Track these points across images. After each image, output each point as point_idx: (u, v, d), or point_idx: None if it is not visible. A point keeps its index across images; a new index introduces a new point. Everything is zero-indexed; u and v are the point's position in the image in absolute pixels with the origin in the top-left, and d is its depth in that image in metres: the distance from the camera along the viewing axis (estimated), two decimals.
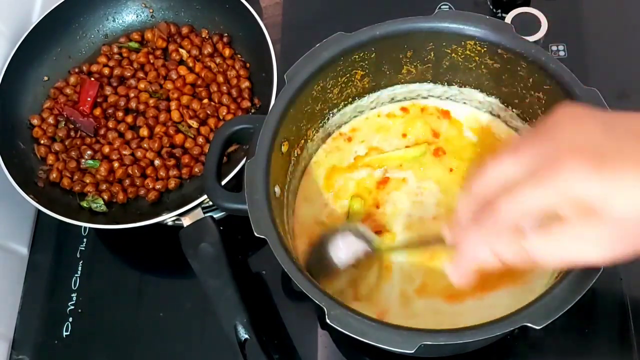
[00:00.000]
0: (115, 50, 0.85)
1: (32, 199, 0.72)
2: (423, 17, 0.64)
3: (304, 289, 0.54)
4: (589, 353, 0.69)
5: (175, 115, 0.79)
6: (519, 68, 0.64)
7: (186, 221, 0.71)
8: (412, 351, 0.50)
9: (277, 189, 0.62)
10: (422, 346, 0.50)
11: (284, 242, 0.56)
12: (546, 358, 0.69)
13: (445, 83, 0.71)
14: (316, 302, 0.53)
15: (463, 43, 0.65)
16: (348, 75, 0.67)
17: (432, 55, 0.67)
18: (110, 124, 0.80)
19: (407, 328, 0.52)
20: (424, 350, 0.51)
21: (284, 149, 0.64)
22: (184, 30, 0.85)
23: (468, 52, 0.66)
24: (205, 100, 0.80)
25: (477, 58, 0.66)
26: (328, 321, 0.51)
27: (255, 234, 0.56)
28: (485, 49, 0.64)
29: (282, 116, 0.62)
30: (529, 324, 0.50)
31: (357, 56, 0.65)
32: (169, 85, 0.81)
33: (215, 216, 0.72)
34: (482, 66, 0.67)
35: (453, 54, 0.67)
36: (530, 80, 0.63)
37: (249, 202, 0.57)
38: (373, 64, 0.67)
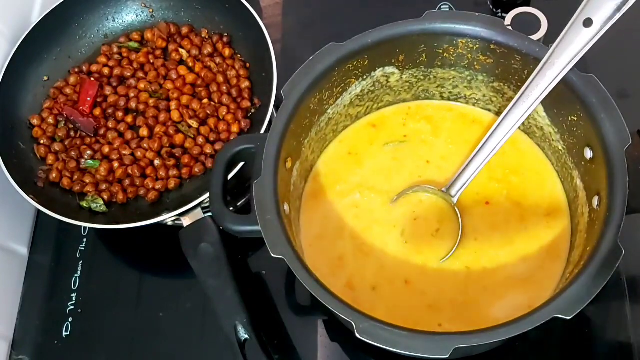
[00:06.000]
0: (115, 50, 0.85)
1: (32, 199, 0.72)
2: (413, 20, 0.64)
3: (331, 306, 0.53)
4: (589, 353, 0.69)
5: (175, 115, 0.79)
6: (513, 62, 0.64)
7: (186, 221, 0.71)
8: (447, 355, 0.49)
9: (286, 207, 0.62)
10: (455, 349, 0.50)
11: (302, 260, 0.56)
12: (547, 356, 0.69)
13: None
14: (344, 317, 0.52)
15: (455, 42, 0.65)
16: (343, 85, 0.67)
17: (424, 57, 0.68)
18: (110, 124, 0.80)
19: (437, 333, 0.52)
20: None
21: (288, 165, 0.64)
22: (184, 30, 0.85)
23: (460, 50, 0.66)
24: (205, 100, 0.80)
25: (469, 56, 0.66)
26: (357, 335, 0.51)
27: (272, 254, 0.55)
28: (477, 46, 0.65)
29: (283, 133, 0.61)
30: (560, 315, 0.50)
31: (350, 65, 0.65)
32: (168, 85, 0.81)
33: None
34: (475, 63, 0.67)
35: (445, 54, 0.67)
36: (525, 72, 0.63)
37: (261, 224, 0.57)
38: (366, 71, 0.67)
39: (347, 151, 0.72)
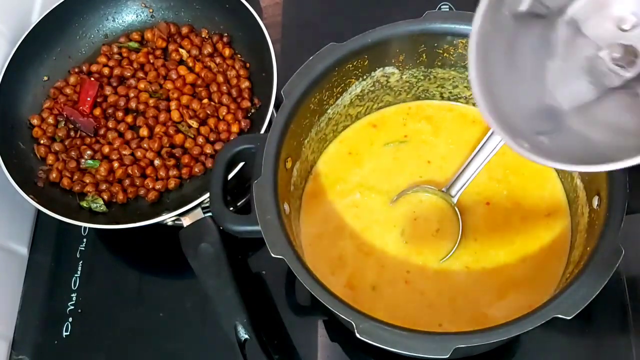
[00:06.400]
0: (115, 50, 0.85)
1: (32, 199, 0.72)
2: (413, 20, 0.64)
3: (331, 306, 0.53)
4: (589, 353, 0.69)
5: (175, 115, 0.79)
6: None
7: (186, 221, 0.71)
8: (447, 355, 0.49)
9: (286, 207, 0.62)
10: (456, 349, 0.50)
11: (302, 260, 0.56)
12: (547, 356, 0.69)
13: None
14: (344, 317, 0.52)
15: (455, 42, 0.65)
16: (343, 85, 0.67)
17: (424, 57, 0.68)
18: (110, 124, 0.80)
19: (437, 333, 0.52)
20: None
21: (288, 165, 0.64)
22: (184, 30, 0.85)
23: (460, 50, 0.66)
24: (205, 100, 0.80)
25: None
26: (357, 335, 0.51)
27: (272, 254, 0.55)
28: None
29: (283, 133, 0.62)
30: (560, 315, 0.50)
31: (350, 65, 0.66)
32: (168, 85, 0.81)
33: None
34: None
35: (445, 54, 0.67)
36: None
37: (261, 224, 0.57)
38: (366, 71, 0.68)
39: (348, 151, 0.72)
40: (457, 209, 0.66)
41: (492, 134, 0.64)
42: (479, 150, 0.65)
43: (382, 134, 0.73)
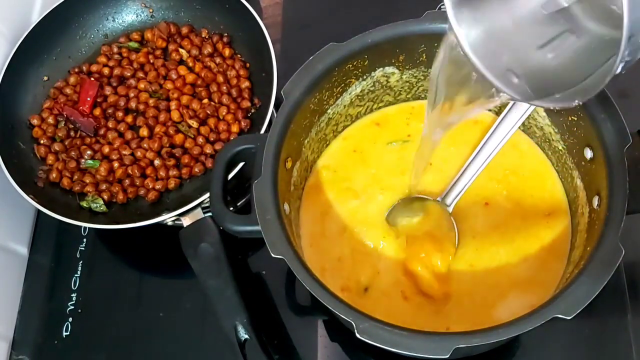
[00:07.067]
0: (115, 50, 0.85)
1: (32, 199, 0.72)
2: (413, 20, 0.64)
3: (330, 306, 0.53)
4: (589, 353, 0.69)
5: (175, 115, 0.79)
6: None
7: (186, 221, 0.71)
8: (447, 355, 0.49)
9: (286, 207, 0.62)
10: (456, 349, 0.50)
11: (302, 260, 0.56)
12: (547, 356, 0.69)
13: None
14: (344, 317, 0.52)
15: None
16: (343, 85, 0.67)
17: (424, 57, 0.68)
18: (110, 124, 0.80)
19: (437, 333, 0.52)
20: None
21: (288, 165, 0.64)
22: (184, 30, 0.85)
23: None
24: (205, 100, 0.80)
25: None
26: (357, 335, 0.51)
27: (272, 254, 0.55)
28: None
29: (283, 133, 0.62)
30: (560, 315, 0.50)
31: (350, 65, 0.66)
32: (168, 85, 0.81)
33: None
34: None
35: None
36: None
37: (261, 224, 0.57)
38: (366, 71, 0.68)
39: (352, 149, 0.72)
40: (452, 219, 0.66)
41: (487, 140, 0.63)
42: (473, 159, 0.64)
43: (386, 133, 0.72)
